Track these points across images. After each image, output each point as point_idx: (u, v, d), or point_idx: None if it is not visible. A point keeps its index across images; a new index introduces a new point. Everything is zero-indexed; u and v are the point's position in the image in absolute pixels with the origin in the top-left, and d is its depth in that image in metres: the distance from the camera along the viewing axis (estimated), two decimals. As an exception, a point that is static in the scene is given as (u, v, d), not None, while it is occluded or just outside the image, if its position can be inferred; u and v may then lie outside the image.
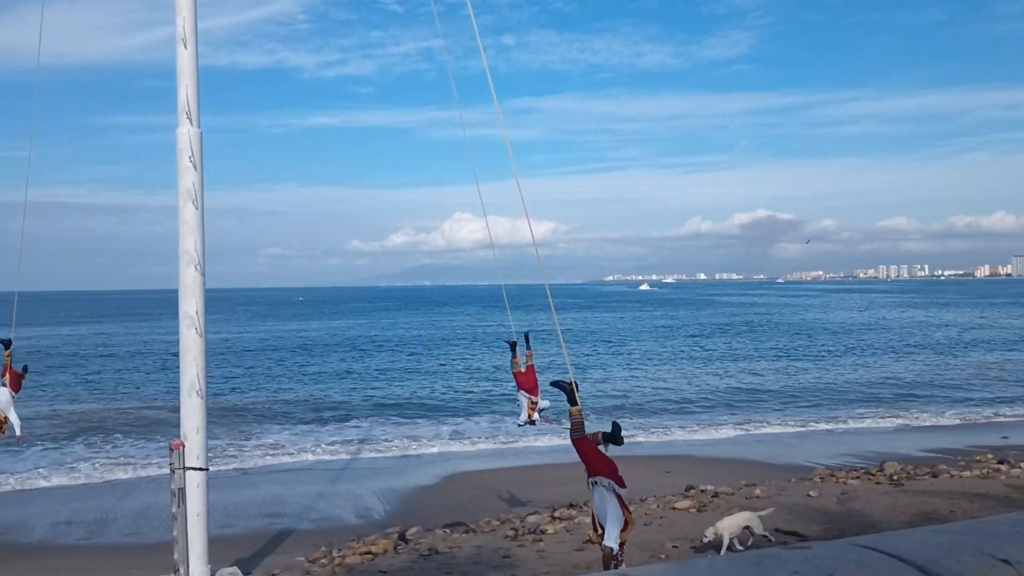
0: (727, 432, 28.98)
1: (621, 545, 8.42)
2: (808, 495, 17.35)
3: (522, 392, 15.89)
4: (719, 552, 12.50)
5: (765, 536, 13.08)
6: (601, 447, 8.84)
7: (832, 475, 20.01)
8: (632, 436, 27.94)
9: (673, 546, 13.53)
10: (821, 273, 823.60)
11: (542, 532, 15.18)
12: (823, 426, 30.01)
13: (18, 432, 14.24)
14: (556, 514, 16.83)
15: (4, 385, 14.12)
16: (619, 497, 8.48)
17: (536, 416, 15.73)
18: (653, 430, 29.60)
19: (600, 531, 8.44)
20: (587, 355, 59.17)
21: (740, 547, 12.70)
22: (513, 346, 16.13)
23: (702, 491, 18.39)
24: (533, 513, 17.14)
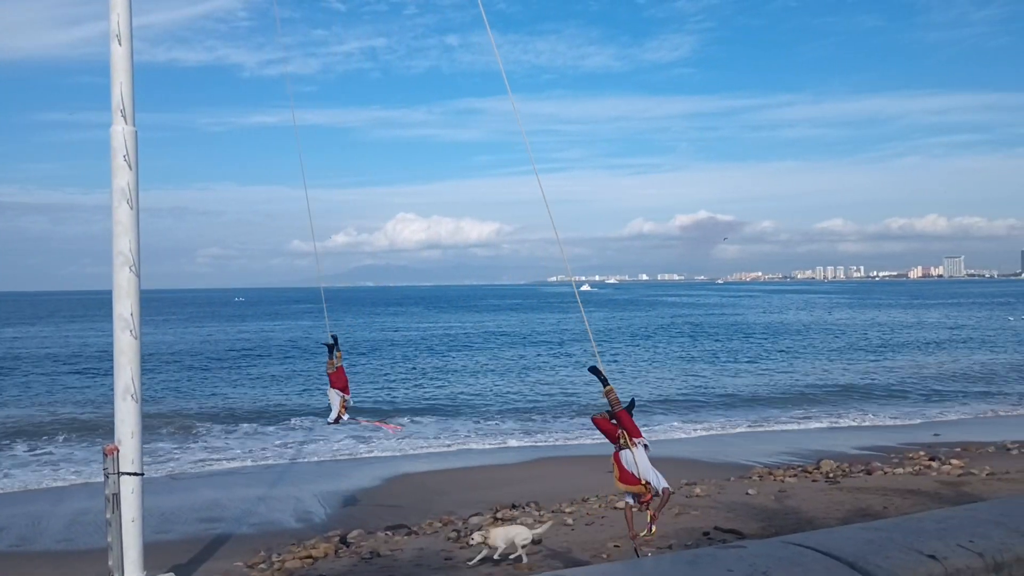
0: (668, 433, 29.27)
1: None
2: (747, 493, 17.62)
3: (335, 391, 16.24)
4: (493, 559, 12.78)
5: (519, 556, 12.75)
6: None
7: (770, 473, 20.35)
8: (575, 438, 28.17)
9: (615, 545, 13.61)
10: (760, 274, 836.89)
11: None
12: (762, 426, 30.50)
13: None
14: (499, 515, 16.85)
15: None
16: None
17: (345, 416, 16.23)
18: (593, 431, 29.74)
19: (646, 483, 9.92)
20: (537, 356, 59.42)
21: (512, 557, 12.76)
22: (330, 348, 16.44)
23: (644, 490, 18.53)
24: (475, 514, 17.14)
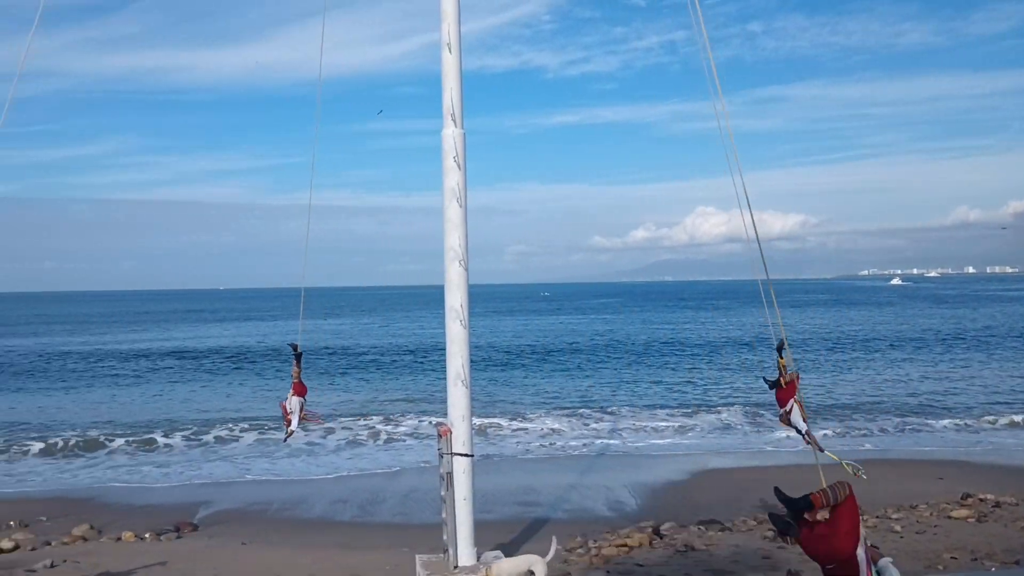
0: (1009, 438, 26.51)
1: None
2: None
3: (297, 398, 15.10)
4: None
5: None
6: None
7: None
8: (901, 442, 26.38)
9: (952, 557, 12.57)
10: None
11: (802, 535, 14.57)
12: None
13: None
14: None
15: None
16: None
17: (296, 427, 15.02)
18: (917, 430, 27.72)
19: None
20: (853, 353, 56.37)
21: None
22: (298, 357, 15.51)
23: (981, 500, 16.97)
24: (792, 515, 16.51)
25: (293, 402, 15.24)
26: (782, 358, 14.75)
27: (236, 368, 54.05)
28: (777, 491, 7.79)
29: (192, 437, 28.54)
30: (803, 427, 14.62)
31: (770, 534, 14.82)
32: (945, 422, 29.58)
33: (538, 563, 10.83)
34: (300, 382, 15.61)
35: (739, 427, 29.86)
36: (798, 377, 14.61)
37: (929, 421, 29.85)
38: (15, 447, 27.15)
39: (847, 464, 16.40)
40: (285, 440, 17.00)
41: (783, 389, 14.63)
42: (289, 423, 15.23)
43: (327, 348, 66.65)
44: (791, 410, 14.51)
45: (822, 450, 15.89)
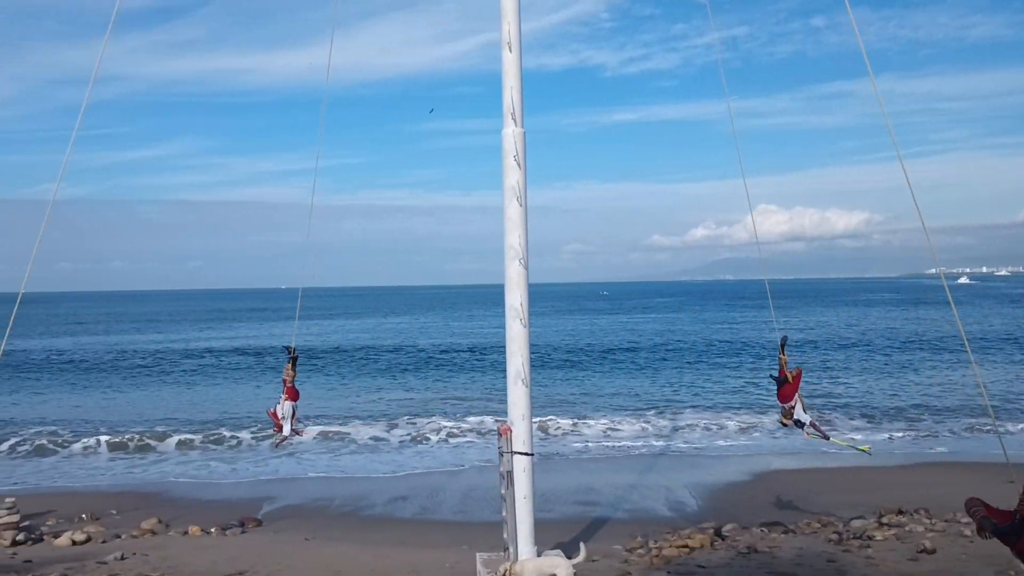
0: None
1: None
2: None
3: (289, 403, 15.51)
4: None
5: None
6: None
7: None
8: (967, 444, 25.71)
9: (1025, 564, 12.20)
10: None
11: (869, 538, 14.34)
12: None
13: None
14: (884, 520, 15.84)
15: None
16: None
17: (289, 431, 15.45)
18: (987, 432, 26.97)
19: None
20: (921, 354, 55.11)
21: None
22: (294, 360, 15.76)
23: (1055, 504, 16.42)
24: (858, 517, 16.24)
25: (285, 407, 15.43)
26: (783, 355, 14.89)
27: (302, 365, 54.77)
28: (987, 527, 7.69)
29: (258, 433, 29.06)
30: (806, 419, 14.80)
31: (835, 537, 14.59)
32: (1022, 425, 28.72)
33: (562, 566, 10.56)
34: (293, 387, 15.67)
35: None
36: (800, 373, 14.73)
37: (1005, 424, 29.02)
38: (86, 442, 27.92)
39: (860, 448, 16.81)
40: (277, 446, 16.99)
41: (789, 384, 14.73)
42: (280, 428, 15.41)
43: (387, 346, 67.40)
44: (795, 404, 14.65)
45: (827, 438, 15.90)
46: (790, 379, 14.73)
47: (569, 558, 10.52)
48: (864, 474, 21.83)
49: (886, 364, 49.31)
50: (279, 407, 15.47)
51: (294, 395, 15.57)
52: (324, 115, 17.36)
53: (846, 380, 42.07)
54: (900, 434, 27.60)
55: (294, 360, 15.86)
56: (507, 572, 10.66)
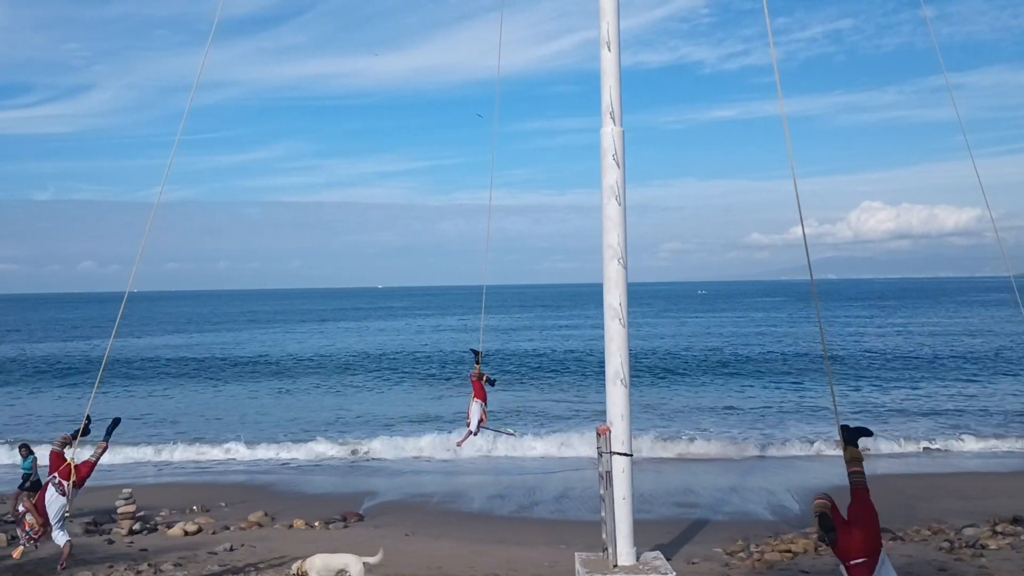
0: None
1: None
2: None
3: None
4: None
5: None
6: None
7: None
8: None
9: None
10: None
11: (983, 547, 13.80)
12: None
13: None
14: (998, 528, 15.19)
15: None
16: None
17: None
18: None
19: None
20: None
21: None
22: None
23: None
24: (970, 525, 15.62)
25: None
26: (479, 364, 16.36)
27: (412, 369, 55.34)
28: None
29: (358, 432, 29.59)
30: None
31: (946, 545, 14.07)
32: None
33: (352, 561, 11.76)
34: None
35: (905, 432, 28.36)
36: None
37: None
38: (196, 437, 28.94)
39: (506, 431, 17.91)
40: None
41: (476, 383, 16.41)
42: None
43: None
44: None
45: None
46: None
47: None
48: (977, 481, 20.98)
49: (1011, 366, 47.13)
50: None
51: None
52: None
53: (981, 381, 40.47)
54: (1018, 441, 26.35)
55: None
56: (299, 571, 11.77)
